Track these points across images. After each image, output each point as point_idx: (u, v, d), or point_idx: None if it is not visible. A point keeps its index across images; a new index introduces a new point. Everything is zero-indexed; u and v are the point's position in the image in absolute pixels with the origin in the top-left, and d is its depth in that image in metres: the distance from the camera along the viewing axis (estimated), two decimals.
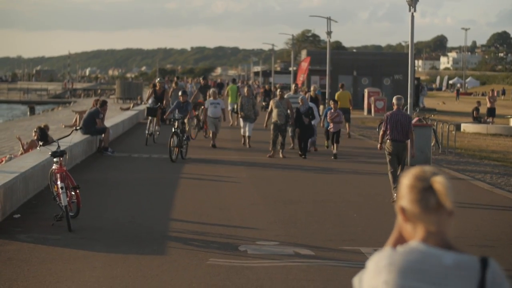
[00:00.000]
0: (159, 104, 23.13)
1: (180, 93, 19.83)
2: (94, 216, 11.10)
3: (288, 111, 19.39)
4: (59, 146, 10.96)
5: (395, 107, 13.59)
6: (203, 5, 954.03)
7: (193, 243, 9.58)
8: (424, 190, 2.51)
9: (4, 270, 8.14)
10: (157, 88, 24.08)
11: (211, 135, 22.00)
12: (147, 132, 22.20)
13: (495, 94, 39.81)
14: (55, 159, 10.63)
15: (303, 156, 19.20)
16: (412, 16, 19.64)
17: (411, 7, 19.41)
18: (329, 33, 35.15)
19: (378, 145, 14.51)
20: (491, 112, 36.43)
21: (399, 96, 13.88)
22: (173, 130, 18.24)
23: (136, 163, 18.01)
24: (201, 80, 28.73)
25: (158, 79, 25.59)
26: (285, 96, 21.46)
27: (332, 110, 19.89)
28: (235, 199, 13.06)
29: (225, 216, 11.43)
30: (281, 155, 19.09)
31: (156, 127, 22.77)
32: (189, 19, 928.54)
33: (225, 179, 15.39)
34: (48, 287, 7.52)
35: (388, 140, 13.40)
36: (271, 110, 19.54)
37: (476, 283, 2.43)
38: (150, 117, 22.59)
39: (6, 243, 9.38)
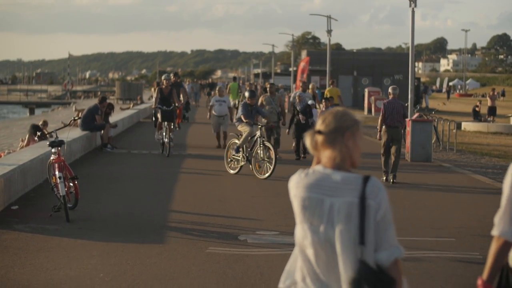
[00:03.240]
0: (174, 105, 18.67)
1: (247, 95, 15.93)
2: (92, 208, 11.00)
3: (287, 108, 18.59)
4: (57, 136, 10.88)
5: (391, 96, 14.81)
6: (204, 8, 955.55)
7: (192, 232, 9.48)
8: (314, 134, 3.36)
9: (0, 258, 8.04)
10: (163, 86, 19.02)
11: (215, 136, 20.57)
12: (163, 139, 18.31)
13: (495, 93, 39.75)
14: (53, 150, 10.54)
15: (299, 158, 17.92)
16: (413, 12, 19.54)
17: (412, 2, 19.31)
18: (329, 31, 35.00)
19: (378, 134, 15.04)
20: (492, 110, 36.36)
21: (394, 86, 15.35)
22: (258, 140, 15.05)
23: (135, 158, 17.92)
24: (172, 77, 21.37)
25: (165, 75, 19.87)
26: (292, 94, 20.68)
27: (324, 109, 18.77)
28: (235, 192, 12.97)
29: (225, 208, 11.33)
30: (277, 154, 17.21)
31: (171, 135, 18.33)
32: (190, 22, 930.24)
33: (225, 173, 15.28)
34: (45, 274, 7.43)
35: (383, 126, 14.50)
36: (261, 106, 17.95)
37: (358, 193, 3.20)
38: (165, 122, 18.35)
39: (3, 232, 9.28)
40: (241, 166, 15.14)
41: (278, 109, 18.08)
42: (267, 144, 14.98)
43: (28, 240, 8.91)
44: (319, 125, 3.37)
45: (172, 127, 18.46)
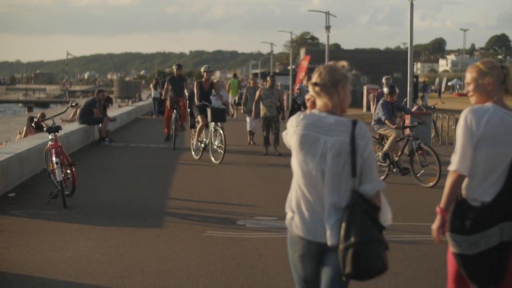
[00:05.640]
0: (221, 103, 16.24)
1: (386, 91, 13.46)
2: (90, 195, 10.94)
3: (283, 102, 17.60)
4: (54, 122, 10.81)
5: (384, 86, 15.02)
6: (202, 9, 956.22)
7: (190, 218, 9.41)
8: (312, 85, 3.97)
9: None
10: (204, 80, 16.29)
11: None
12: (209, 143, 15.71)
13: None
14: (50, 136, 10.47)
15: None
16: (411, 5, 19.45)
17: None
18: (327, 27, 34.91)
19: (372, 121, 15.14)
20: None
21: (387, 76, 16.16)
22: (413, 142, 13.09)
23: (133, 151, 17.84)
24: (174, 70, 18.82)
25: (205, 66, 16.36)
26: (297, 87, 19.87)
27: None
28: (234, 181, 12.90)
29: (223, 195, 11.26)
30: (276, 152, 16.84)
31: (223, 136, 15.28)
32: (189, 23, 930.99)
33: (224, 164, 15.20)
34: (41, 255, 7.36)
35: None
36: (259, 99, 17.44)
37: (349, 133, 3.85)
38: (213, 123, 15.56)
39: None
40: (387, 175, 12.98)
41: (277, 103, 17.45)
42: (424, 147, 13.01)
43: (25, 224, 8.84)
44: (315, 78, 3.96)
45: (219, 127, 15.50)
